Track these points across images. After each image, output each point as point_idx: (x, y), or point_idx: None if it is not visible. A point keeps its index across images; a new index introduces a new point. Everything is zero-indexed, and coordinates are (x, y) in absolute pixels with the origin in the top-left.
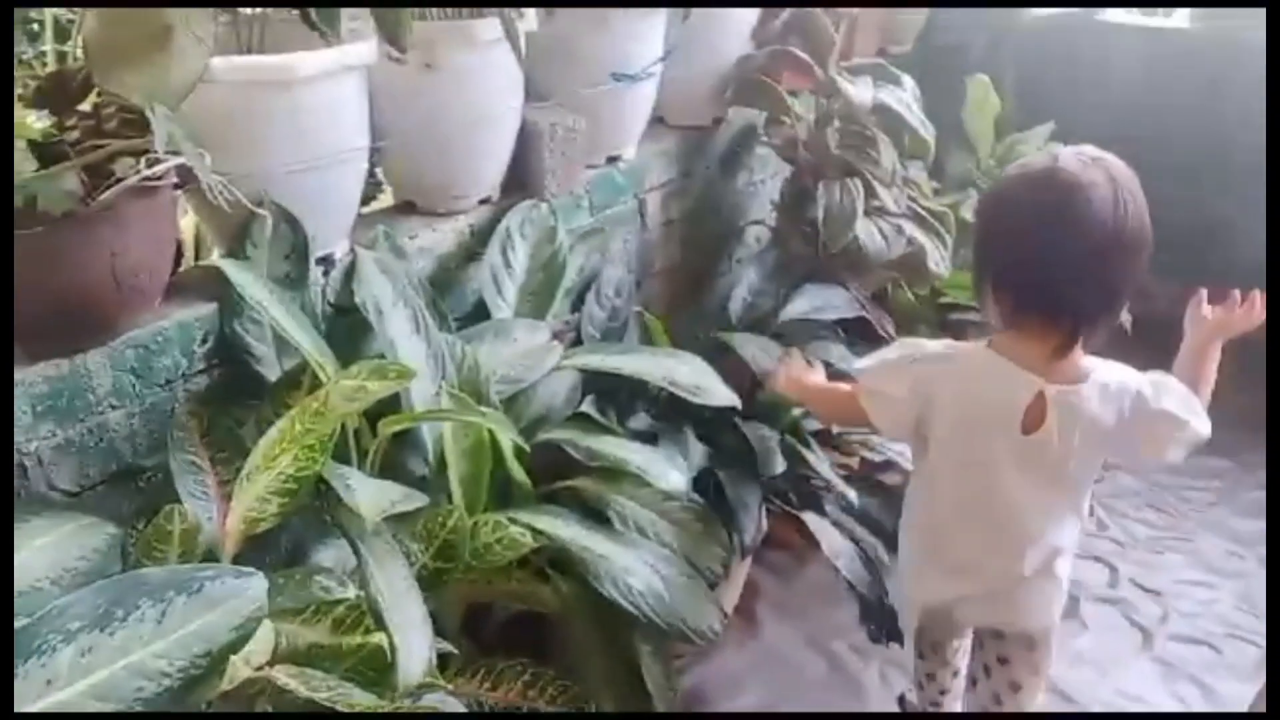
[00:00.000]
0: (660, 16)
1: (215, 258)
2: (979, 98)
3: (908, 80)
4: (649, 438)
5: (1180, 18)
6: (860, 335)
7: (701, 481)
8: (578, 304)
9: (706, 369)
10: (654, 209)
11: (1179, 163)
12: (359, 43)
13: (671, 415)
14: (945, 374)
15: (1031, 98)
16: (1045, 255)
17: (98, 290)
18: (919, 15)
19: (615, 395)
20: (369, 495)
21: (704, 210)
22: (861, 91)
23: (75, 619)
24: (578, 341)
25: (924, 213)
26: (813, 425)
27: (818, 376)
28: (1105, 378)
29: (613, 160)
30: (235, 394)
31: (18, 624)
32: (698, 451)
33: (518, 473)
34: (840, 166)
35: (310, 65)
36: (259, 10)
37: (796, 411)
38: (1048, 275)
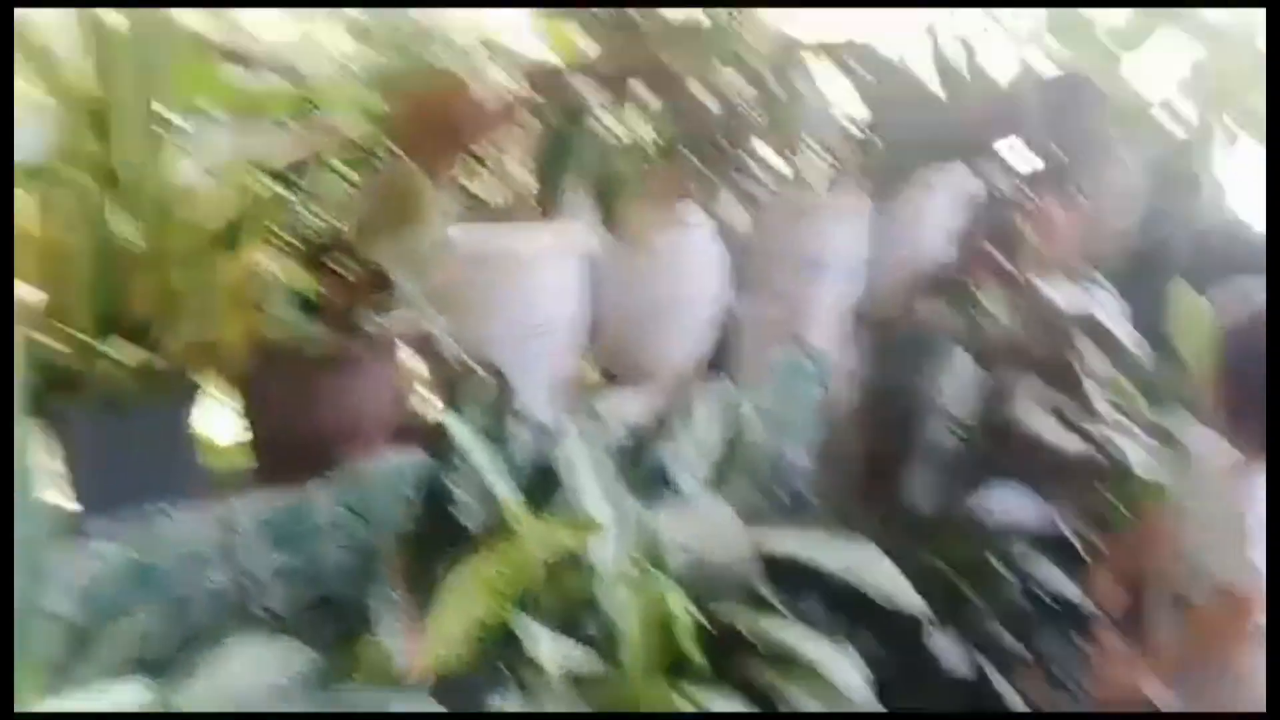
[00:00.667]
0: (862, 215)
1: (434, 409)
2: (1187, 309)
3: (1111, 288)
4: (827, 630)
5: None
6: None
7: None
8: (760, 485)
9: (888, 563)
10: (842, 398)
11: None
12: (580, 225)
13: (848, 608)
14: None
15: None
16: None
17: (333, 428)
18: (1126, 225)
19: (790, 581)
20: (551, 650)
21: (893, 403)
22: (1064, 295)
23: None
24: (758, 521)
25: (1129, 422)
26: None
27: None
28: None
29: (804, 348)
30: (436, 537)
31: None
32: (876, 654)
33: (691, 646)
34: (1039, 369)
35: (536, 243)
36: (495, 194)
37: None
38: None
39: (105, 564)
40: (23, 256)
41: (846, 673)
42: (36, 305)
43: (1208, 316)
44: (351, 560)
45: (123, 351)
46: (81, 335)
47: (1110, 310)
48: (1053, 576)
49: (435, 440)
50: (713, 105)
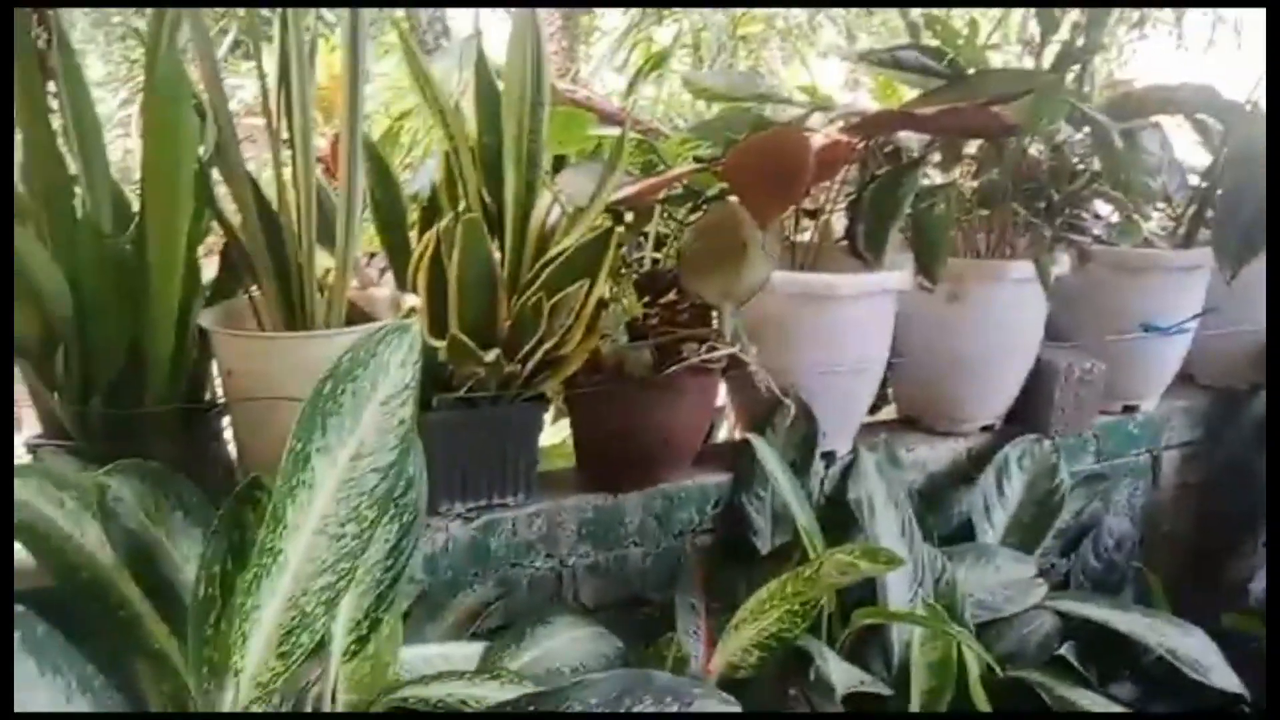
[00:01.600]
0: (1204, 273)
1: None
2: None
3: None
4: (1133, 708)
5: None
6: None
7: None
8: (1069, 548)
9: (1212, 647)
10: (1170, 468)
11: None
12: (895, 271)
13: (1160, 690)
14: None
15: None
16: None
17: (649, 444)
18: None
19: (1096, 652)
20: (841, 671)
21: (1231, 479)
22: None
23: (593, 695)
24: (1064, 586)
25: None
26: None
27: None
28: None
29: (1129, 410)
30: (731, 556)
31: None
32: None
33: (981, 701)
34: None
35: (851, 285)
36: (815, 237)
37: None
38: None
39: (451, 538)
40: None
41: None
42: (420, 311)
43: None
44: (656, 565)
45: (493, 359)
46: (467, 341)
47: None
48: None
49: (738, 465)
50: (1045, 156)
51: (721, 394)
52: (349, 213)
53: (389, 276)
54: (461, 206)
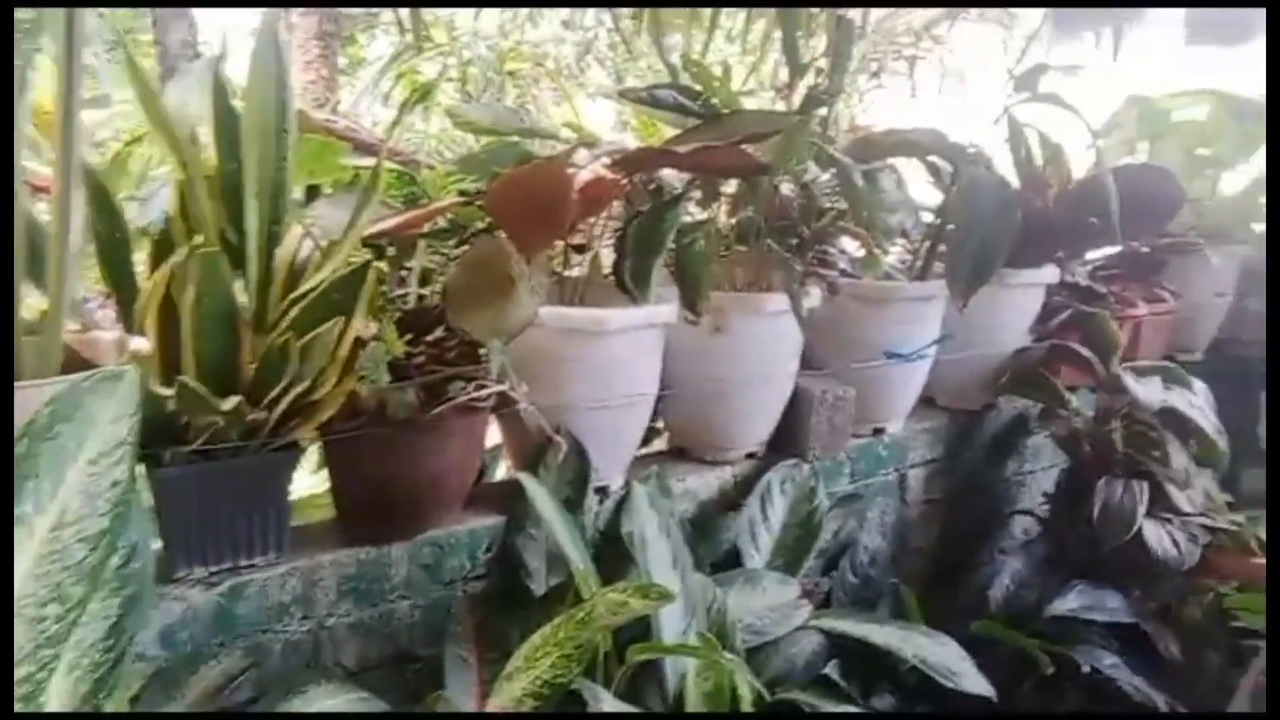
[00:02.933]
0: (939, 302)
1: (513, 475)
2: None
3: (1199, 385)
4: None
5: None
6: (1135, 647)
7: None
8: (829, 567)
9: (962, 654)
10: (915, 485)
11: None
12: (662, 305)
13: (917, 699)
14: None
15: None
16: None
17: (415, 490)
18: (1212, 322)
19: (859, 667)
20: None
21: (969, 494)
22: (1149, 391)
23: None
24: (826, 604)
25: (1214, 526)
26: None
27: None
28: None
29: (878, 432)
30: (506, 601)
31: None
32: None
33: None
34: (1125, 465)
35: (619, 320)
36: (583, 272)
37: None
38: None
39: (191, 607)
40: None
41: None
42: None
43: None
44: (426, 618)
45: (233, 407)
46: (200, 388)
47: (1197, 407)
48: (1133, 677)
49: (511, 506)
50: (795, 195)
51: (496, 432)
52: (61, 247)
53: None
54: (198, 239)
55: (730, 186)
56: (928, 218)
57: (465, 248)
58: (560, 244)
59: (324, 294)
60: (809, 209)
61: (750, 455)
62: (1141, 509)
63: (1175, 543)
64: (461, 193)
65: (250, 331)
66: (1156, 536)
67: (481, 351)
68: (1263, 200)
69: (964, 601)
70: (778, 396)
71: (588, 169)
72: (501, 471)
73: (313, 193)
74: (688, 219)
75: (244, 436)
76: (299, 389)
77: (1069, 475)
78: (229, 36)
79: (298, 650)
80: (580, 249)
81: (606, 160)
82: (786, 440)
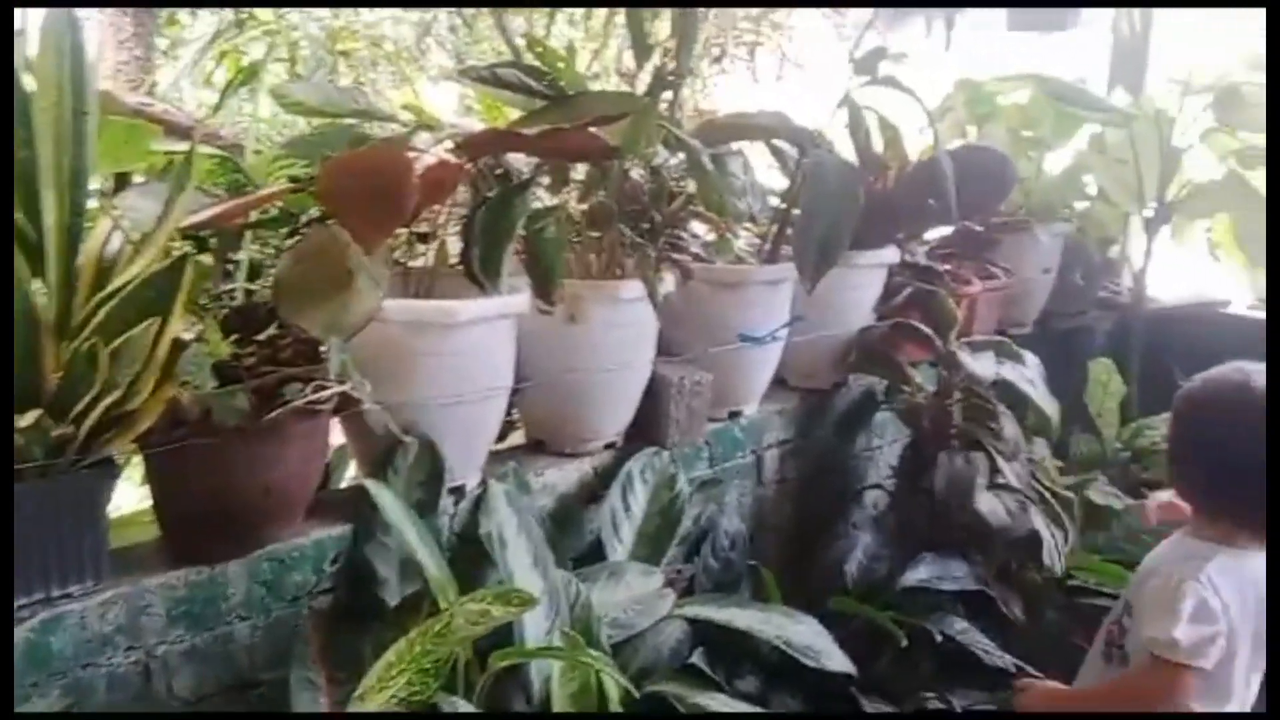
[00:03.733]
0: (789, 285)
1: (359, 480)
2: (1103, 380)
3: (1030, 358)
4: (759, 701)
5: None
6: (981, 612)
7: None
8: (691, 553)
9: (822, 631)
10: (771, 466)
11: None
12: (514, 294)
13: (781, 679)
14: (1222, 577)
15: (1154, 384)
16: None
17: (250, 502)
18: (1040, 297)
19: (723, 651)
20: None
21: (821, 472)
22: (983, 365)
23: None
24: (689, 591)
25: (1047, 494)
26: (936, 704)
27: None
28: None
29: (734, 415)
30: (357, 615)
31: None
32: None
33: None
34: (963, 437)
35: (470, 311)
36: (429, 262)
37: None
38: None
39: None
40: None
41: None
42: None
43: (1121, 391)
44: (268, 639)
45: (32, 423)
46: None
47: (1029, 379)
48: (984, 641)
49: (359, 513)
50: (645, 180)
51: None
52: None
53: None
54: None
55: (579, 172)
56: (774, 202)
57: (297, 238)
58: (403, 233)
59: (136, 292)
60: (659, 194)
61: (609, 445)
62: (981, 479)
63: (1009, 511)
64: (291, 179)
65: (53, 337)
66: (990, 506)
67: (320, 350)
68: (1085, 179)
69: (821, 578)
70: (636, 384)
71: (430, 153)
72: (350, 475)
73: (123, 181)
74: (537, 205)
75: (50, 454)
76: (110, 399)
77: (912, 449)
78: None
79: (125, 684)
80: (425, 237)
81: (450, 144)
82: (646, 428)
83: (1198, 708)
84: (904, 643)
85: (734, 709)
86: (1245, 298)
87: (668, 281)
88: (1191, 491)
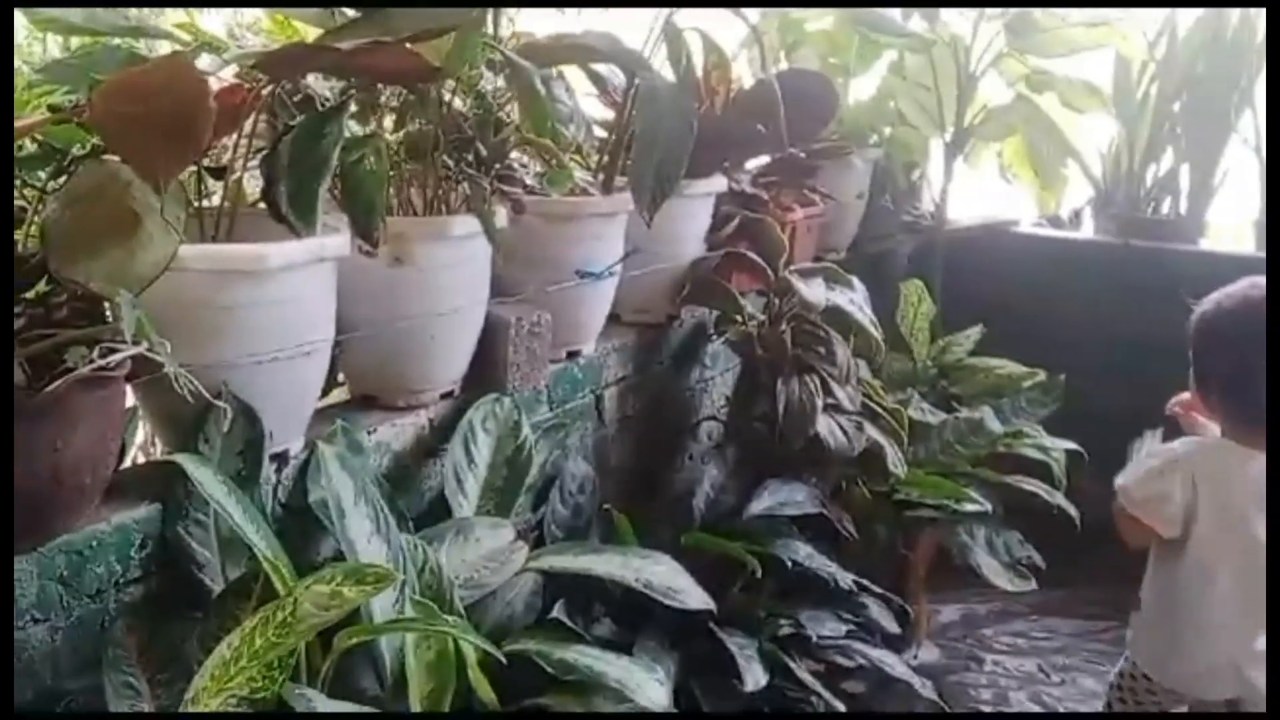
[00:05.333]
0: (623, 218)
1: (160, 455)
2: (914, 301)
3: (857, 282)
4: (622, 647)
5: (1085, 230)
6: (818, 532)
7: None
8: (539, 501)
9: (680, 570)
10: (611, 405)
11: (1096, 363)
12: (331, 235)
13: (635, 621)
14: (1203, 463)
15: (957, 302)
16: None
17: (36, 489)
18: (853, 223)
19: (574, 599)
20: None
21: (661, 407)
22: (815, 292)
23: None
24: (540, 542)
25: (880, 411)
26: (791, 630)
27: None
28: None
29: (573, 355)
30: (175, 606)
31: None
32: (670, 662)
33: (483, 689)
34: (796, 364)
35: (283, 255)
36: (227, 201)
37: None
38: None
39: None
40: None
41: (652, 690)
42: None
43: (932, 311)
44: (70, 643)
45: None
46: None
47: (856, 304)
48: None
49: (168, 490)
50: (469, 106)
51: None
52: None
53: None
54: None
55: (390, 99)
56: (599, 133)
57: (66, 178)
58: (190, 170)
59: None
60: (485, 121)
61: (446, 395)
62: (820, 403)
63: (845, 432)
64: (51, 108)
65: None
66: (828, 428)
67: (106, 307)
68: (892, 105)
69: (669, 514)
70: (471, 328)
71: (219, 75)
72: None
73: None
74: (349, 134)
75: None
76: None
77: (746, 378)
78: None
79: None
80: (218, 173)
81: (239, 67)
82: (484, 374)
83: (1165, 570)
84: (758, 573)
85: (604, 660)
86: (1032, 216)
87: (500, 216)
88: (1212, 398)
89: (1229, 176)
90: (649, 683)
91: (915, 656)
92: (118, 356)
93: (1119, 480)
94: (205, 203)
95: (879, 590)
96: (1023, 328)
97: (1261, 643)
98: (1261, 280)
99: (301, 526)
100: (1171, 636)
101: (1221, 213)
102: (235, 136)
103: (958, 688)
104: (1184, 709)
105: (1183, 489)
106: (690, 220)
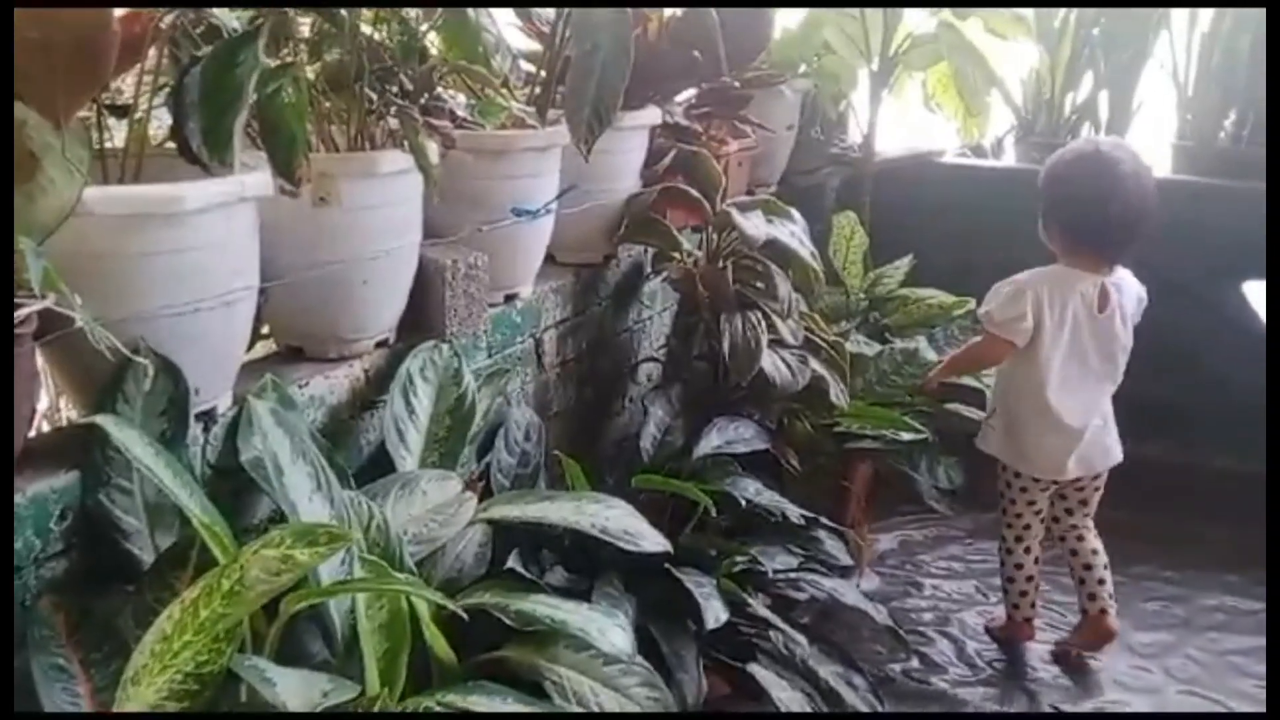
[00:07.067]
0: (558, 152)
1: (77, 418)
2: (846, 234)
3: (797, 214)
4: (578, 593)
5: (1008, 159)
6: (762, 467)
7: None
8: (484, 451)
9: (634, 513)
10: (550, 348)
11: None
12: (250, 174)
13: (586, 567)
14: (1045, 285)
15: (886, 234)
16: (1096, 211)
17: None
18: (784, 155)
19: (524, 548)
20: (294, 688)
21: (602, 349)
22: (755, 225)
23: None
24: (487, 492)
25: (821, 344)
26: (745, 566)
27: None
28: (1121, 277)
29: (510, 299)
30: (102, 579)
31: None
32: (628, 605)
33: (440, 646)
34: (738, 300)
35: (199, 196)
36: (131, 142)
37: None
38: (1098, 224)
39: None
40: None
41: (615, 636)
42: None
43: (864, 243)
44: None
45: None
46: None
47: (796, 237)
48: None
49: (86, 456)
50: (388, 35)
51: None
52: None
53: None
54: None
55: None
56: (524, 65)
57: None
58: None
59: None
60: (409, 49)
61: (381, 344)
62: (764, 339)
63: (789, 368)
64: None
65: None
66: (773, 364)
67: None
68: (818, 37)
69: (617, 458)
70: (405, 272)
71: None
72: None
73: None
74: (269, 71)
75: None
76: None
77: (685, 316)
78: None
79: None
80: (121, 111)
81: None
82: (420, 320)
83: (1011, 374)
84: (713, 512)
85: (564, 608)
86: (955, 147)
87: (431, 151)
88: (1053, 231)
89: (1146, 104)
90: (611, 629)
91: (858, 585)
92: (24, 311)
93: (982, 310)
94: (107, 144)
95: (830, 523)
96: (951, 257)
97: (1092, 428)
98: (1100, 138)
99: (234, 488)
100: (1020, 430)
101: (1139, 137)
102: (138, 70)
103: (900, 613)
104: (1047, 493)
105: (1033, 307)
106: (626, 155)
